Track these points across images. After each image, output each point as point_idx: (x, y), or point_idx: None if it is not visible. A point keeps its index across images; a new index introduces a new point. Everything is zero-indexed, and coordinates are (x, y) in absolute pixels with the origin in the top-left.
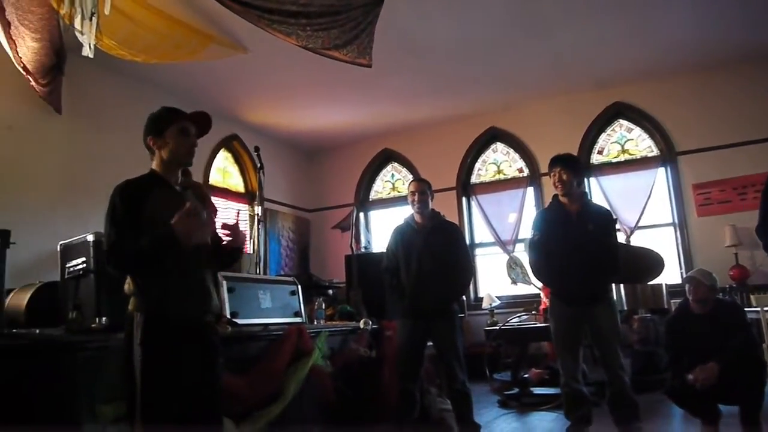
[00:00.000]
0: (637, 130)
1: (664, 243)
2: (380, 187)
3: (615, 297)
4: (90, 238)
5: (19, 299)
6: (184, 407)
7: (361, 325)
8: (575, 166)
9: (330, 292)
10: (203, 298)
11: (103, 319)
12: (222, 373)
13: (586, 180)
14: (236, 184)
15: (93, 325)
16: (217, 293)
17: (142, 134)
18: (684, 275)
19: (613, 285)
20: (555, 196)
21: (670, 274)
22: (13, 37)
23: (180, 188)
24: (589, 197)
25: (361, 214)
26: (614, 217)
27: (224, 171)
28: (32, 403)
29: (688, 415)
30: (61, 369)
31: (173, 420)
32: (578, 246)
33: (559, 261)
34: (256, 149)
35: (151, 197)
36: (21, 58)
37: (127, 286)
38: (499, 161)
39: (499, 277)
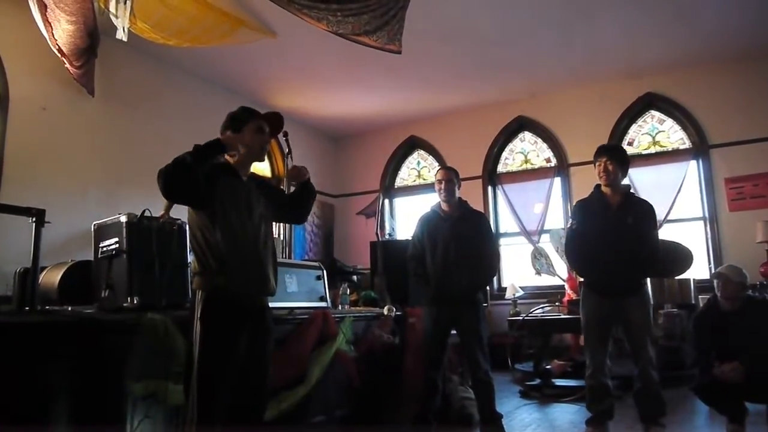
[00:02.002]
0: (669, 122)
1: (693, 237)
2: (405, 175)
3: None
4: (123, 219)
5: (52, 277)
6: (235, 381)
7: (385, 311)
8: (622, 158)
9: (354, 277)
10: (262, 280)
11: (135, 298)
12: (271, 353)
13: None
14: (263, 168)
15: (125, 304)
16: (275, 279)
17: (220, 129)
18: (713, 271)
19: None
20: (597, 186)
21: (699, 269)
22: (49, 20)
23: (246, 179)
24: (632, 189)
25: (386, 201)
26: (655, 210)
27: None
28: (64, 380)
29: (714, 412)
30: (93, 346)
31: (225, 392)
32: (616, 238)
33: (596, 252)
34: (285, 134)
35: (222, 180)
36: (56, 40)
37: (193, 264)
38: (526, 150)
39: (523, 267)
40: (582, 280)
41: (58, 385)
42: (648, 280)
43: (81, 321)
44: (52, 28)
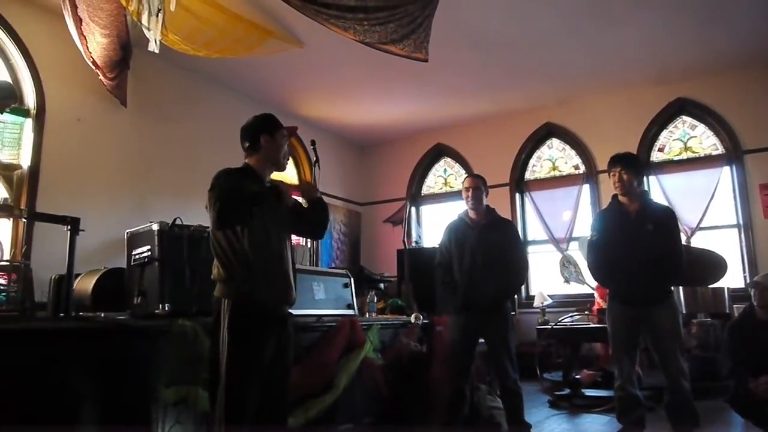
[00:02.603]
0: (701, 127)
1: (727, 245)
2: (432, 182)
3: (676, 299)
4: (155, 227)
5: (85, 284)
6: (261, 389)
7: (412, 319)
8: (636, 166)
9: (381, 285)
10: (286, 290)
11: (166, 305)
12: (291, 362)
13: (645, 178)
14: (291, 176)
15: (156, 311)
16: (295, 287)
17: (252, 130)
18: (747, 279)
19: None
20: (614, 196)
21: (733, 278)
22: (84, 33)
23: (268, 184)
24: (649, 196)
25: (413, 209)
26: (676, 214)
27: None
28: (97, 384)
29: (750, 425)
30: (125, 352)
31: (252, 399)
32: (637, 246)
33: (618, 262)
34: (313, 143)
35: (245, 186)
36: (91, 53)
37: (216, 270)
38: (554, 157)
39: (551, 275)
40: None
41: (90, 389)
42: (676, 288)
43: (114, 327)
44: (86, 42)
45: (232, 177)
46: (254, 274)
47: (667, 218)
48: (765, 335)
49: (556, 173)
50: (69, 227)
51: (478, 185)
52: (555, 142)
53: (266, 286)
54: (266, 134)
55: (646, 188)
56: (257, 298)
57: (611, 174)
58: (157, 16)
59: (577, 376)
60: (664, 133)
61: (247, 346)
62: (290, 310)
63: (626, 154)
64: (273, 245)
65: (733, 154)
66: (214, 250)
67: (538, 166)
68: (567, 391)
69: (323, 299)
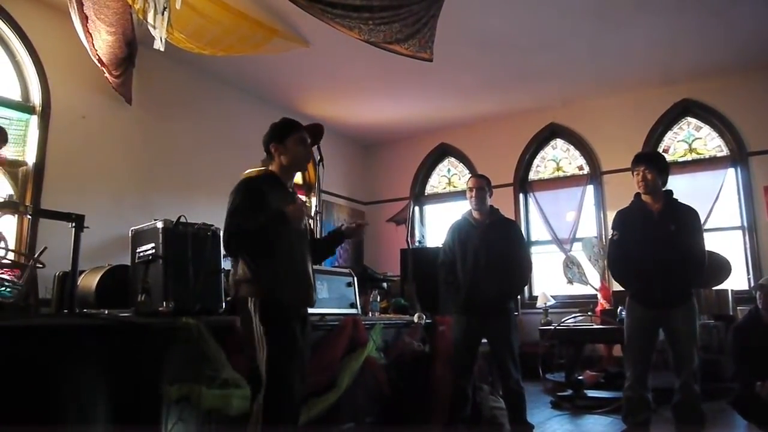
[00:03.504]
0: (706, 129)
1: (731, 247)
2: (436, 182)
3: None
4: (159, 225)
5: (89, 281)
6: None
7: (415, 319)
8: (660, 165)
9: (384, 285)
10: (308, 289)
11: (170, 303)
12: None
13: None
14: (295, 175)
15: (160, 309)
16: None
17: (263, 140)
18: (752, 281)
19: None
20: (637, 195)
21: (737, 280)
22: (90, 31)
23: (291, 191)
24: (673, 195)
25: (416, 209)
26: (699, 215)
27: None
28: (100, 382)
29: (753, 427)
30: (129, 350)
31: (294, 398)
32: (659, 247)
33: (639, 262)
34: None
35: (270, 194)
36: (96, 50)
37: (241, 271)
38: (558, 158)
39: (554, 276)
40: (616, 290)
41: (94, 386)
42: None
43: (117, 324)
44: (92, 39)
45: (252, 195)
46: (281, 275)
47: (690, 219)
48: None
49: (560, 174)
50: (73, 224)
51: (481, 185)
52: (559, 143)
53: (292, 287)
54: (275, 142)
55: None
56: (283, 298)
57: (635, 173)
58: (163, 14)
59: (580, 377)
60: (669, 135)
61: (285, 338)
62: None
63: (651, 153)
64: (296, 246)
65: (738, 155)
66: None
67: (542, 167)
68: (569, 391)
69: (326, 298)
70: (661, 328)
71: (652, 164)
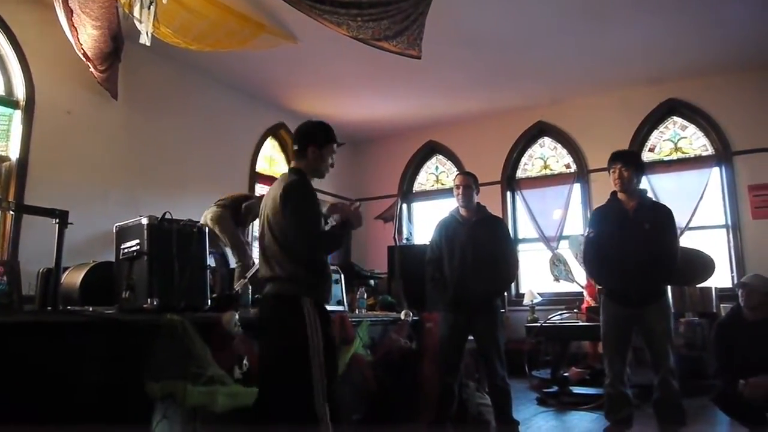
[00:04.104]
0: (692, 128)
1: (715, 245)
2: (424, 179)
3: (670, 299)
4: (144, 221)
5: (73, 277)
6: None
7: (402, 316)
8: (636, 163)
9: (371, 282)
10: (331, 291)
11: (155, 299)
12: None
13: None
14: (282, 171)
15: (145, 306)
16: None
17: (303, 138)
18: (735, 279)
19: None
20: (613, 193)
21: (721, 278)
22: (75, 25)
23: None
24: (647, 194)
25: (404, 206)
26: (673, 213)
27: (271, 159)
28: (84, 379)
29: (735, 423)
30: (113, 347)
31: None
32: (634, 244)
33: (613, 259)
34: None
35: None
36: (82, 44)
37: (286, 271)
38: (545, 156)
39: (541, 273)
40: (600, 287)
41: (77, 384)
42: (668, 287)
43: (102, 321)
44: (77, 33)
45: (315, 201)
46: (323, 277)
47: (664, 217)
48: (752, 335)
49: (548, 172)
50: (57, 220)
51: (469, 183)
52: (547, 141)
53: (327, 288)
54: (314, 146)
55: (644, 187)
56: (326, 297)
57: (611, 170)
58: (149, 8)
59: (566, 374)
60: (655, 134)
61: (330, 339)
62: None
63: (627, 151)
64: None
65: (723, 155)
66: (284, 254)
67: (530, 165)
68: (555, 388)
69: None
70: (637, 326)
71: (629, 162)
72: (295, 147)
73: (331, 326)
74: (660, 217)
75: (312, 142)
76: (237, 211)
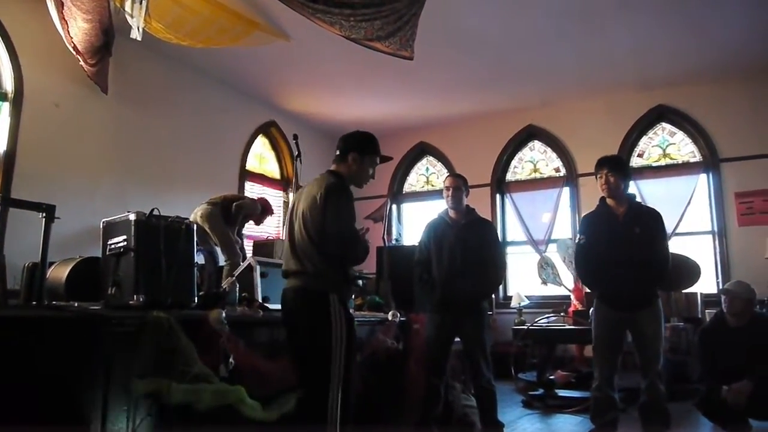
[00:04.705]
0: (680, 135)
1: (701, 251)
2: (414, 180)
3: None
4: (132, 217)
5: (59, 272)
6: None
7: (390, 316)
8: (623, 169)
9: (360, 282)
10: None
11: (141, 296)
12: None
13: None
14: (272, 170)
15: (131, 302)
16: None
17: (346, 143)
18: (720, 285)
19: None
20: (602, 199)
21: (706, 284)
22: (66, 18)
23: None
24: (636, 199)
25: (394, 206)
26: (662, 218)
27: (261, 157)
28: (68, 375)
29: (717, 428)
30: (98, 343)
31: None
32: (624, 249)
33: (605, 265)
34: (295, 137)
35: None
36: (72, 38)
37: (321, 265)
38: (535, 159)
39: (528, 276)
40: (588, 291)
41: (62, 380)
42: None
43: (87, 317)
44: (68, 26)
45: (354, 205)
46: (346, 276)
47: (654, 221)
48: (734, 342)
49: (537, 175)
50: (44, 214)
51: (458, 185)
52: (537, 144)
53: (350, 288)
54: (356, 153)
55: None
56: (347, 294)
57: (598, 176)
58: (141, 3)
59: (551, 377)
60: (644, 139)
61: (354, 340)
62: (269, 305)
63: (613, 157)
64: None
65: (710, 162)
66: (316, 246)
67: (520, 168)
68: (541, 391)
69: None
70: (628, 329)
71: (615, 168)
72: (337, 152)
73: (354, 326)
74: (650, 221)
75: (354, 149)
76: (228, 210)
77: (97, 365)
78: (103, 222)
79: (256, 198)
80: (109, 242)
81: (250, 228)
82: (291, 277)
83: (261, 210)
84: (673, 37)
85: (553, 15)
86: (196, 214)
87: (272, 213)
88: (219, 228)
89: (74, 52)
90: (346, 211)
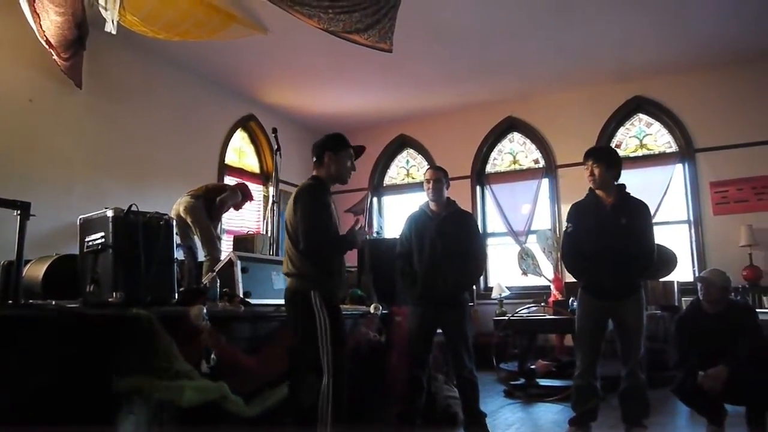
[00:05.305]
0: (657, 125)
1: (678, 240)
2: (395, 173)
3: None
4: (109, 213)
5: (35, 270)
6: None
7: (372, 309)
8: (609, 160)
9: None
10: (347, 286)
11: (120, 293)
12: None
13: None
14: (252, 164)
15: (110, 299)
16: None
17: (319, 147)
18: (696, 273)
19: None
20: (591, 189)
21: (683, 272)
22: (38, 11)
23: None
24: (625, 190)
25: (374, 199)
26: (649, 209)
27: (240, 151)
28: (47, 375)
29: (695, 413)
30: (77, 341)
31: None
32: (610, 239)
33: (591, 254)
34: (274, 131)
35: (329, 200)
36: (44, 31)
37: (302, 266)
38: (515, 151)
39: (509, 267)
40: (569, 281)
41: (40, 380)
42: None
43: (65, 315)
44: (40, 20)
45: (324, 203)
46: (336, 272)
47: (641, 212)
48: (710, 328)
49: (517, 167)
50: (18, 212)
51: (439, 177)
52: (516, 136)
53: (342, 284)
54: (330, 152)
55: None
56: (339, 293)
57: (585, 167)
58: None
59: (533, 367)
60: (621, 130)
61: (342, 336)
62: (250, 300)
63: (599, 148)
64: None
65: (686, 152)
66: (296, 248)
67: (499, 160)
68: (522, 380)
69: (282, 289)
70: (611, 318)
71: (600, 159)
72: (314, 159)
73: (340, 322)
74: (637, 212)
75: (327, 149)
76: (211, 203)
77: (77, 364)
78: (80, 218)
79: (235, 185)
80: (87, 239)
81: (230, 222)
82: (287, 278)
83: (241, 196)
84: (650, 28)
85: (532, 7)
86: (178, 207)
87: (252, 199)
88: (202, 222)
89: (47, 46)
90: (311, 210)
